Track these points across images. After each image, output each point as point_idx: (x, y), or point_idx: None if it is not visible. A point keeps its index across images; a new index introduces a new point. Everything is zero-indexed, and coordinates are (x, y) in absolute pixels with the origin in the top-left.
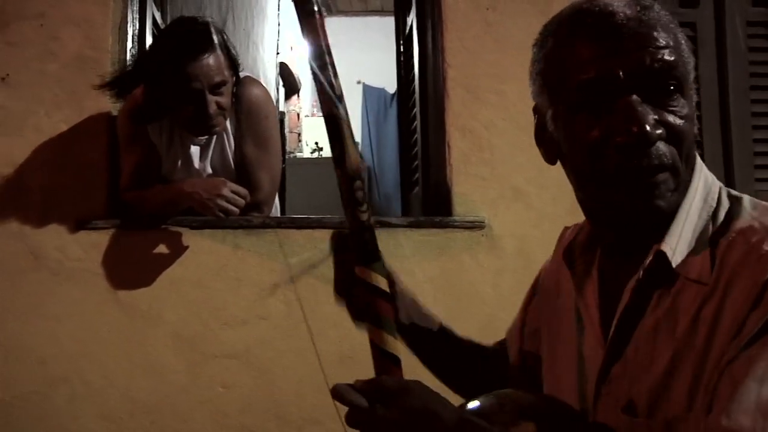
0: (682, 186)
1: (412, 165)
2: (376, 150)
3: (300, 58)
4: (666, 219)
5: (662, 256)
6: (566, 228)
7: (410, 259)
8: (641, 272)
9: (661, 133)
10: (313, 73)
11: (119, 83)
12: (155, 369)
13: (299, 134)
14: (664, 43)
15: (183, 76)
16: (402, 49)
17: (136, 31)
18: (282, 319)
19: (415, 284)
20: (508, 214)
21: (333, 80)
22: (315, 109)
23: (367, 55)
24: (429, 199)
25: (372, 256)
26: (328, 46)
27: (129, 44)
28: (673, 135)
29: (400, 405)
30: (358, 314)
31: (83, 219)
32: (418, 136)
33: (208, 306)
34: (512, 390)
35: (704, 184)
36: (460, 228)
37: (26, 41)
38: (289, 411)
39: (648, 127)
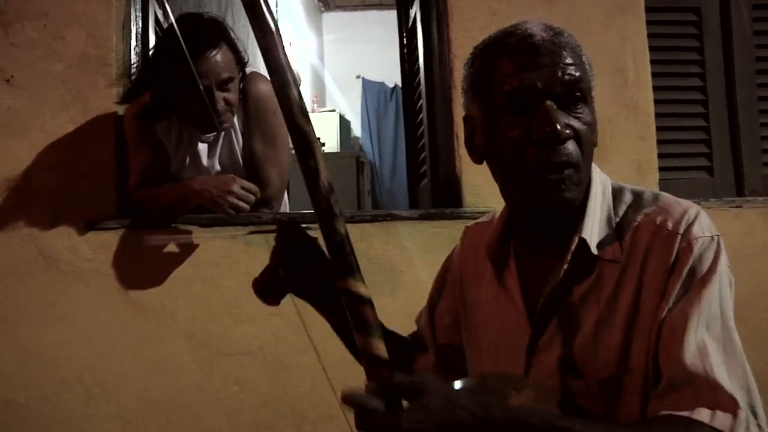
0: (584, 182)
1: (418, 158)
2: (376, 144)
3: (300, 53)
4: (573, 211)
5: (583, 243)
6: (468, 227)
7: (422, 251)
8: (569, 257)
9: (569, 134)
10: (278, 91)
11: (135, 91)
12: (169, 368)
13: None
14: (571, 61)
15: (190, 73)
16: (405, 42)
17: (140, 30)
18: (295, 314)
19: (428, 276)
20: None
21: (299, 96)
22: (315, 105)
23: (366, 50)
24: (438, 191)
25: (352, 267)
26: (289, 63)
27: (133, 43)
28: (578, 137)
29: (422, 403)
30: (264, 292)
31: (93, 220)
32: (424, 128)
33: (221, 303)
34: (477, 374)
35: (600, 180)
36: (471, 219)
37: (30, 42)
38: (304, 407)
39: (559, 127)
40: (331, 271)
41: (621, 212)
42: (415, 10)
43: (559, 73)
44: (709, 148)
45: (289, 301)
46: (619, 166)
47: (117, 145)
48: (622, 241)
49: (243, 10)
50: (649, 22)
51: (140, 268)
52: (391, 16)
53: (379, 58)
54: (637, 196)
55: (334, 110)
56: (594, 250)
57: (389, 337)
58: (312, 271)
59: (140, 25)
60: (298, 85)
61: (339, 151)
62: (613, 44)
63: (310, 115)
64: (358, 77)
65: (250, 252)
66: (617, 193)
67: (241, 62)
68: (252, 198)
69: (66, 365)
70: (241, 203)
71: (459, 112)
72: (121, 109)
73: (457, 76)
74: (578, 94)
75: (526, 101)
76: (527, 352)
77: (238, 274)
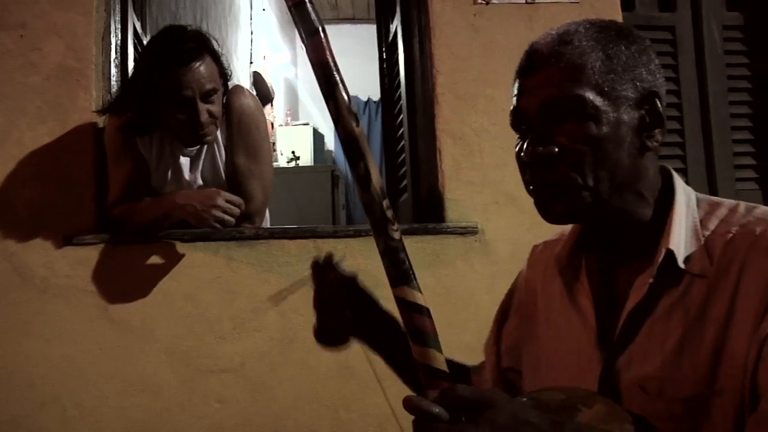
0: (595, 197)
1: (399, 172)
2: None
3: (275, 66)
4: (640, 225)
5: (669, 256)
6: (535, 246)
7: None
8: (655, 270)
9: (542, 156)
10: (326, 94)
11: (119, 104)
12: (149, 386)
13: (274, 143)
14: (561, 78)
15: (174, 84)
16: (385, 56)
17: (119, 42)
18: (277, 331)
19: None
20: (500, 219)
21: (347, 98)
22: (289, 118)
23: (339, 63)
24: (420, 206)
25: (408, 275)
26: (336, 63)
27: (113, 55)
28: (570, 154)
29: (487, 418)
30: (321, 334)
31: (71, 234)
32: (405, 142)
33: (202, 320)
34: (541, 389)
35: (684, 192)
36: (453, 234)
37: (6, 52)
38: (287, 424)
39: (531, 150)
40: (387, 279)
41: (712, 226)
42: (396, 24)
43: (544, 96)
44: (684, 163)
45: (271, 317)
46: None
47: (96, 158)
48: (711, 255)
49: (217, 24)
50: None
51: (120, 284)
52: (365, 30)
53: (352, 72)
54: (732, 210)
55: (307, 123)
56: (681, 264)
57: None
58: (366, 312)
59: (119, 37)
60: (345, 86)
61: (313, 164)
62: None
63: (283, 128)
64: None
65: (232, 267)
66: (709, 207)
67: (224, 75)
68: (237, 211)
69: (42, 385)
70: (226, 217)
71: (442, 127)
72: (101, 122)
73: (439, 91)
74: (567, 111)
75: (518, 123)
76: (602, 371)
77: (219, 290)
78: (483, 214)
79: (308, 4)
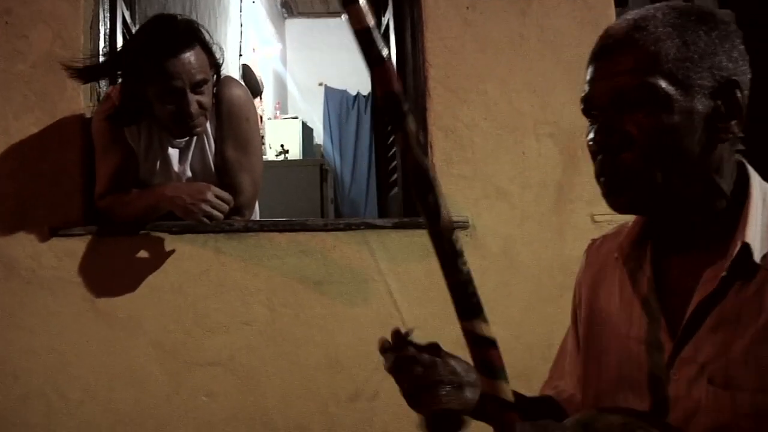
0: (664, 187)
1: (389, 166)
2: (338, 152)
3: (263, 59)
4: (709, 216)
5: (744, 249)
6: (593, 239)
7: (396, 260)
8: (728, 263)
9: (612, 144)
10: (395, 126)
11: (89, 71)
12: (136, 379)
13: (263, 137)
14: (627, 67)
15: (163, 74)
16: None
17: (108, 31)
18: (266, 324)
19: (402, 286)
20: (491, 214)
21: (415, 129)
22: (278, 112)
23: (328, 57)
24: (410, 200)
25: (477, 308)
26: (402, 92)
27: (101, 44)
28: (640, 143)
29: None
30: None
31: (57, 226)
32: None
33: (190, 313)
34: (599, 411)
35: (760, 187)
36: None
37: None
38: (275, 419)
39: (600, 139)
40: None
41: None
42: (387, 18)
43: (615, 83)
44: None
45: (259, 311)
46: (590, 176)
47: (84, 149)
48: None
49: (206, 15)
50: None
51: (107, 276)
52: None
53: (342, 66)
54: None
55: (296, 117)
56: (757, 259)
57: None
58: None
59: (108, 26)
60: (413, 116)
61: (301, 158)
62: (585, 57)
63: (273, 122)
64: (320, 85)
65: (220, 260)
66: None
67: (215, 65)
68: (225, 207)
69: (27, 378)
70: (215, 212)
71: (433, 120)
72: (88, 112)
73: (431, 85)
74: (638, 100)
75: (589, 110)
76: (666, 362)
77: (208, 282)
78: (474, 209)
79: (374, 32)
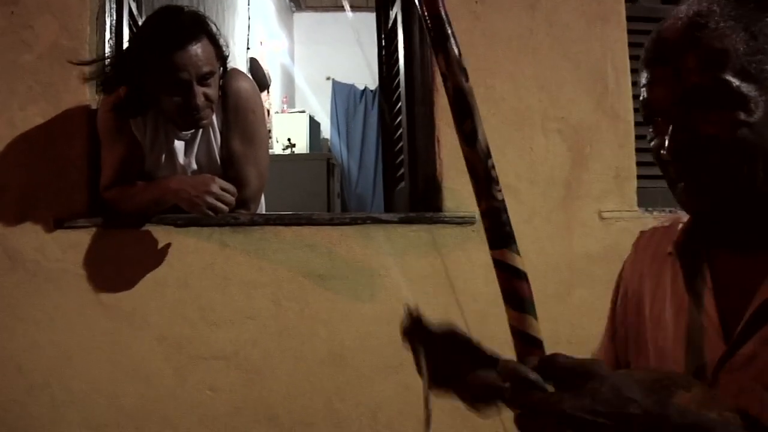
0: (749, 189)
1: (395, 161)
2: (345, 146)
3: (271, 53)
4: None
5: None
6: (643, 232)
7: (401, 255)
8: None
9: (691, 149)
10: (437, 47)
11: (106, 82)
12: (141, 373)
13: (270, 130)
14: (694, 65)
15: (170, 66)
16: (384, 43)
17: (114, 22)
18: (271, 318)
19: (407, 281)
20: None
21: (458, 53)
22: (285, 106)
23: (336, 51)
24: (417, 195)
25: (509, 237)
26: (447, 15)
27: (107, 35)
28: (720, 145)
29: (589, 389)
30: (474, 398)
31: (62, 218)
32: (403, 131)
33: (195, 306)
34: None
35: None
36: (451, 223)
37: None
38: (280, 413)
39: (675, 145)
40: (487, 240)
41: None
42: (395, 12)
43: (683, 85)
44: None
45: (264, 305)
46: (598, 173)
47: (89, 141)
48: None
49: (214, 8)
50: (630, 32)
51: (112, 269)
52: (363, 18)
53: (349, 60)
54: None
55: (304, 111)
56: None
57: None
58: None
59: (114, 18)
60: (457, 41)
61: (308, 152)
62: (594, 52)
63: (280, 115)
64: (328, 79)
65: (225, 254)
66: None
67: (222, 57)
68: (231, 199)
69: (32, 370)
70: (219, 204)
71: (440, 116)
72: (94, 103)
73: (438, 80)
74: (710, 100)
75: (651, 116)
76: (719, 361)
77: (213, 276)
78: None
79: None
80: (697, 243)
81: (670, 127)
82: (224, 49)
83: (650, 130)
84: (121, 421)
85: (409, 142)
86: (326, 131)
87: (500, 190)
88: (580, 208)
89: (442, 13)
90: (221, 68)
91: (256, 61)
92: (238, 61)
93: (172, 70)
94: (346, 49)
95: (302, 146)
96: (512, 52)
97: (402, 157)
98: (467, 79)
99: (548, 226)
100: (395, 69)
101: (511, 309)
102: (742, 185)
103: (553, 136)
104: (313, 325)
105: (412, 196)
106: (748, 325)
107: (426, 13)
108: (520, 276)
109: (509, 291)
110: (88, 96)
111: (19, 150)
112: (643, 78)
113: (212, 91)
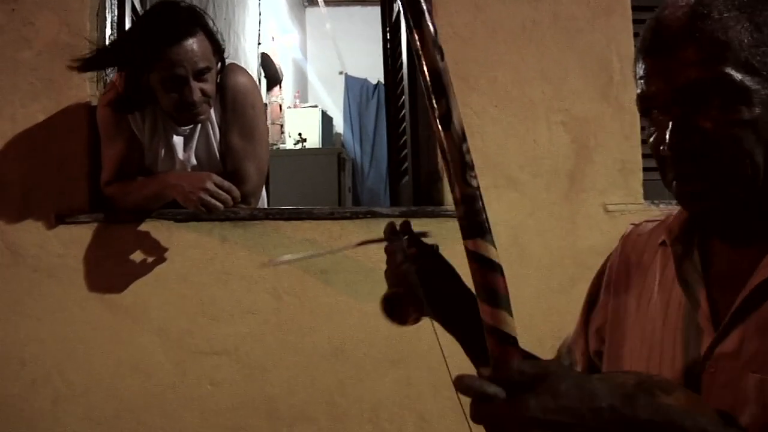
0: (752, 186)
1: (400, 155)
2: (358, 141)
3: (283, 48)
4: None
5: None
6: (634, 224)
7: None
8: None
9: (692, 145)
10: (413, 23)
11: (94, 61)
12: (141, 367)
13: (282, 126)
14: (696, 57)
15: (166, 62)
16: (388, 37)
17: (115, 18)
18: (271, 313)
19: None
20: (501, 203)
21: (433, 30)
22: (297, 100)
23: (349, 46)
24: (420, 189)
25: (483, 227)
26: None
27: (108, 31)
28: (721, 141)
29: (547, 387)
30: (393, 312)
31: (63, 213)
32: (407, 125)
33: (195, 301)
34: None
35: None
36: (453, 217)
37: None
38: (280, 408)
39: (677, 142)
40: (460, 231)
41: None
42: (398, 5)
43: (683, 78)
44: None
45: (265, 299)
46: (603, 165)
47: (90, 136)
48: None
49: (224, 3)
50: (635, 22)
51: (113, 264)
52: (375, 12)
53: (362, 55)
54: None
55: (316, 106)
56: None
57: None
58: (445, 287)
59: (116, 13)
60: (433, 19)
61: (321, 147)
62: (599, 43)
63: (292, 110)
64: (341, 73)
65: (226, 248)
66: None
67: (219, 52)
68: (225, 196)
69: (33, 364)
70: (212, 201)
71: None
72: (94, 99)
73: None
74: (711, 94)
75: (649, 109)
76: (707, 350)
77: (213, 270)
78: (483, 198)
79: None
80: (690, 233)
81: (670, 123)
82: (221, 44)
83: (649, 125)
84: (122, 414)
85: (412, 136)
86: (339, 126)
87: (475, 176)
88: (584, 201)
89: None
90: (219, 63)
91: (268, 56)
92: (250, 56)
93: (168, 66)
94: (358, 43)
95: (314, 141)
96: (515, 43)
97: (406, 150)
98: (443, 58)
99: (552, 220)
100: (399, 62)
101: (485, 304)
102: (744, 183)
103: (557, 129)
104: (314, 319)
105: (415, 190)
106: (736, 313)
107: None
108: (495, 269)
109: (483, 285)
110: (89, 92)
111: (21, 146)
112: (641, 69)
113: (209, 87)
